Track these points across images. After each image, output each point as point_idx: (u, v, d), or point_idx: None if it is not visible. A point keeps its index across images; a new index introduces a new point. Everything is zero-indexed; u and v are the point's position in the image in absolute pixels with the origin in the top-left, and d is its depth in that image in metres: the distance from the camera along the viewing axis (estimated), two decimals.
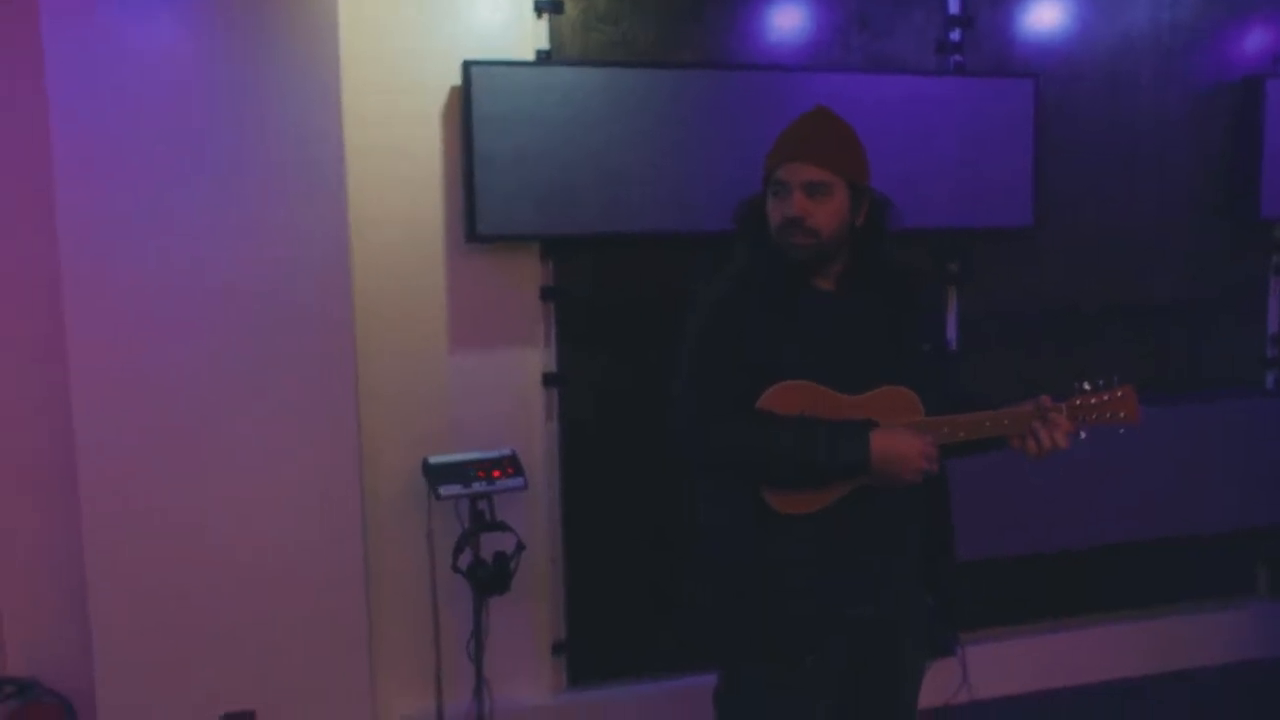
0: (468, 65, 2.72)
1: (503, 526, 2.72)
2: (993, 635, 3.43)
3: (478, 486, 2.69)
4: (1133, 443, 3.38)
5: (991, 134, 3.16)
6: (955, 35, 3.19)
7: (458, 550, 2.69)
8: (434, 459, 2.72)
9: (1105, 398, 1.97)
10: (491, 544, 2.75)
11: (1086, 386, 1.99)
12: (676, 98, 2.88)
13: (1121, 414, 1.98)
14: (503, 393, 2.96)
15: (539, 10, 2.86)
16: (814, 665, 2.01)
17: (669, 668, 3.14)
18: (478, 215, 2.77)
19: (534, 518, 2.98)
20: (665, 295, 3.01)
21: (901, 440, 1.92)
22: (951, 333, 3.28)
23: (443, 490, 2.66)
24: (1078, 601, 3.57)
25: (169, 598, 2.65)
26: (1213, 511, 3.53)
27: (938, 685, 3.16)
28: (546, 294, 2.96)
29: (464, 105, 2.75)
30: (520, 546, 2.73)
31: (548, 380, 2.99)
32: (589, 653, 3.11)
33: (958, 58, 3.19)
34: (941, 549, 2.12)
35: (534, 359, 2.98)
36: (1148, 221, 3.47)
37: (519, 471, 2.77)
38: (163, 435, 2.60)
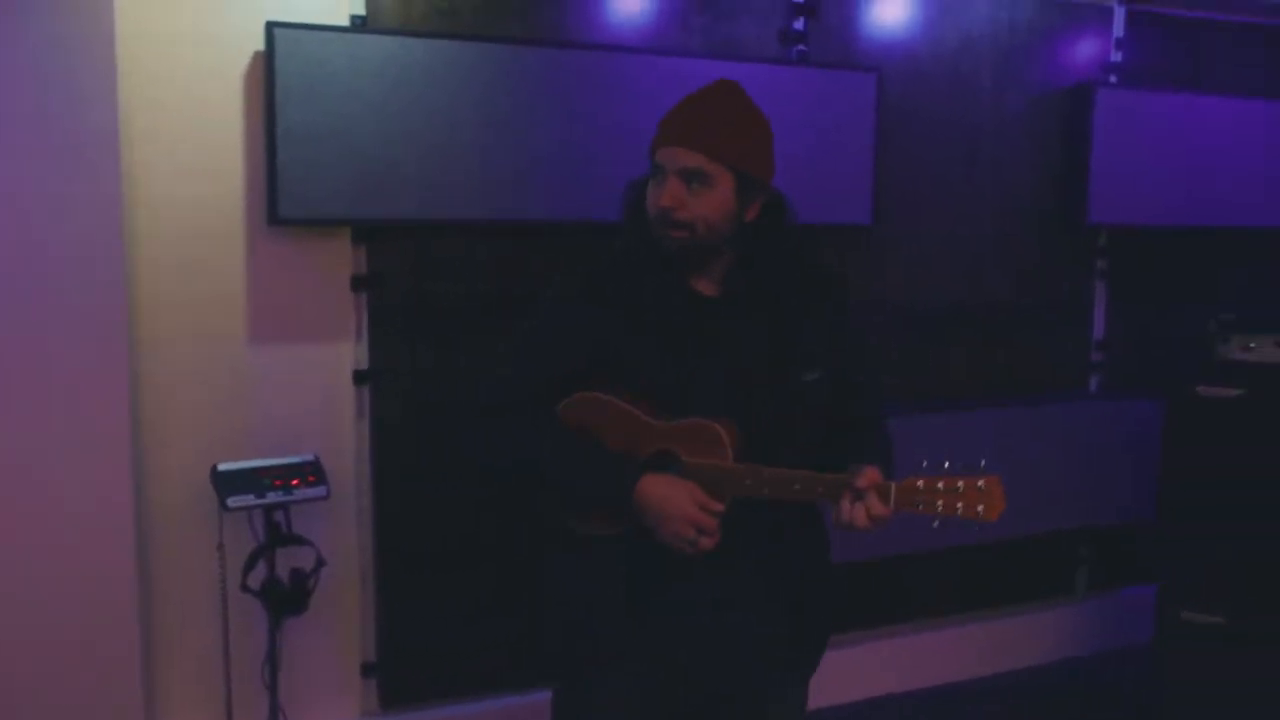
0: (271, 27, 2.44)
1: (300, 540, 2.46)
2: None
3: (273, 496, 2.42)
4: (954, 446, 3.40)
5: (833, 128, 3.06)
6: (799, 24, 3.07)
7: (248, 567, 2.43)
8: (224, 466, 2.43)
9: (960, 485, 1.63)
10: (290, 559, 2.49)
11: (945, 466, 1.67)
12: (505, 75, 2.67)
13: (979, 508, 1.62)
14: (308, 391, 2.69)
15: None
16: (622, 685, 1.85)
17: (490, 687, 2.94)
18: (280, 196, 2.49)
19: (341, 530, 2.73)
20: (491, 288, 2.82)
21: (673, 499, 1.70)
22: None
23: (231, 501, 2.38)
24: (898, 609, 3.54)
25: None
26: (1034, 514, 3.55)
27: None
28: (358, 283, 2.70)
29: (267, 72, 2.46)
30: (320, 562, 2.48)
31: (358, 378, 2.73)
32: (402, 674, 2.87)
33: (801, 47, 3.08)
34: (811, 570, 1.92)
35: (344, 354, 2.72)
36: (984, 224, 3.46)
37: (321, 479, 2.51)
38: None
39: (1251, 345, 3.06)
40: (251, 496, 2.41)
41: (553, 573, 1.91)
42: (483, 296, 2.79)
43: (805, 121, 3.01)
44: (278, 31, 2.43)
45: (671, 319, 1.81)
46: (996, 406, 3.48)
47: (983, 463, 1.65)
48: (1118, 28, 3.58)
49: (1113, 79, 3.56)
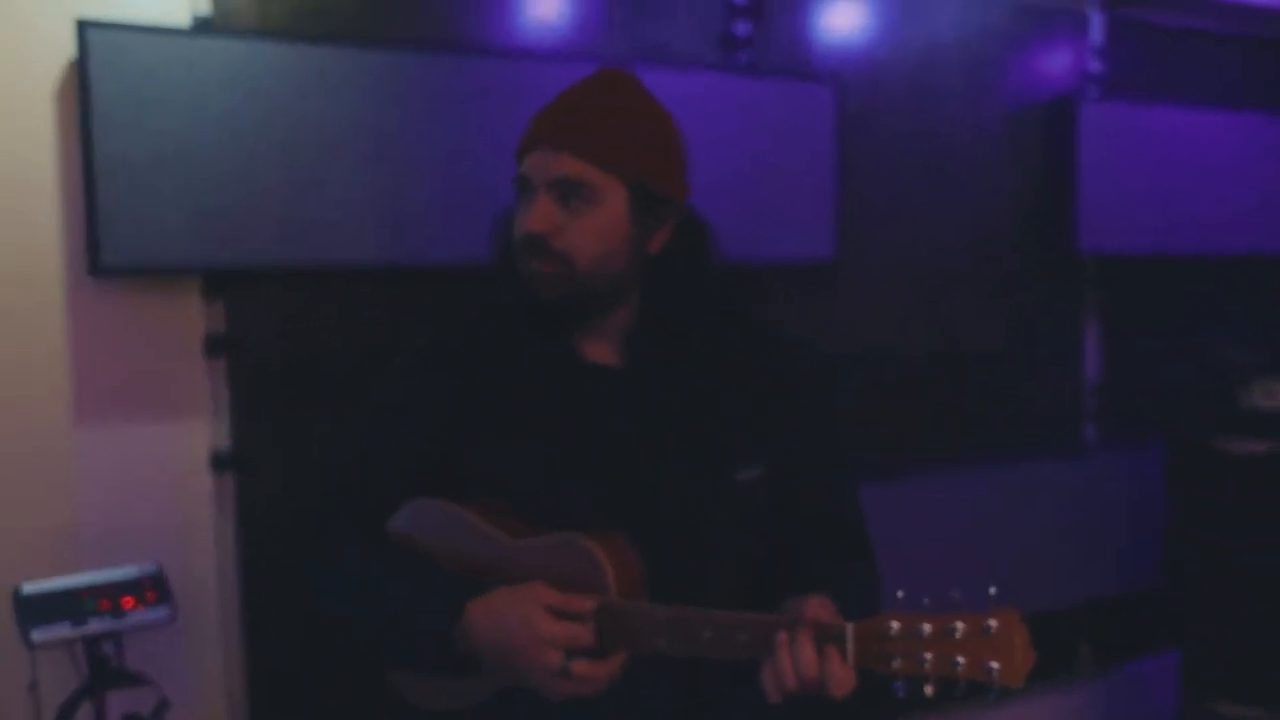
0: (84, 28, 1.93)
1: (133, 679, 1.92)
2: None
3: (96, 624, 1.88)
4: (930, 516, 2.98)
5: (785, 147, 2.62)
6: (742, 28, 2.63)
7: (65, 716, 1.88)
8: (30, 587, 1.88)
9: (957, 629, 1.07)
10: (127, 702, 1.95)
11: (926, 603, 1.12)
12: (389, 87, 2.19)
13: (991, 666, 1.06)
14: (151, 482, 2.15)
15: None
16: None
17: None
18: (102, 239, 1.97)
19: (194, 661, 2.18)
20: (380, 345, 2.30)
21: (512, 613, 1.19)
22: None
23: (37, 635, 1.82)
24: (880, 705, 3.03)
25: None
26: (1027, 589, 3.09)
27: None
28: (214, 345, 2.18)
29: (80, 85, 1.96)
30: (163, 704, 1.94)
31: (218, 462, 2.20)
32: None
33: (745, 54, 2.64)
34: None
35: (197, 433, 2.19)
36: (960, 257, 3.02)
37: (164, 597, 1.96)
38: None
39: (1277, 390, 2.65)
40: (66, 626, 1.86)
41: None
42: (371, 355, 2.28)
43: (751, 140, 2.56)
44: (92, 34, 1.93)
45: (547, 397, 1.32)
46: (978, 466, 3.02)
47: (992, 590, 1.09)
48: (1096, 35, 3.20)
49: (1095, 91, 3.17)
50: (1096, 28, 3.20)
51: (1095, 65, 3.19)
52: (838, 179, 2.70)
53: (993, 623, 1.06)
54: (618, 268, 1.33)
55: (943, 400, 3.05)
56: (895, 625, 1.10)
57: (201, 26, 2.09)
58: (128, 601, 1.93)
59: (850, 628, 1.12)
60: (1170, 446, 3.00)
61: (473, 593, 1.26)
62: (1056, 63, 3.15)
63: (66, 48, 1.99)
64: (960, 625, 1.07)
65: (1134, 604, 3.32)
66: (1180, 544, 2.96)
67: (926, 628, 1.08)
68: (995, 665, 1.05)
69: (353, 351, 2.28)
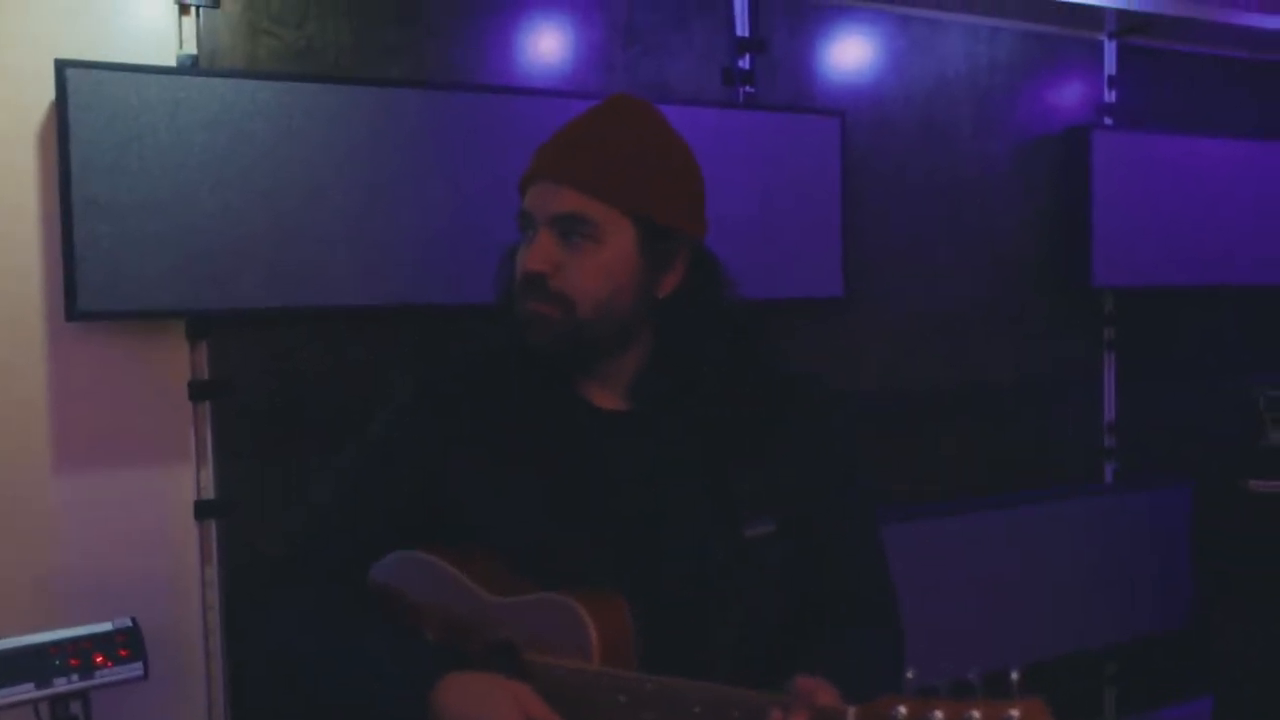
0: (62, 67, 1.89)
1: None
2: None
3: (62, 684, 1.80)
4: (943, 558, 2.87)
5: (790, 183, 2.54)
6: (745, 63, 2.57)
7: None
8: None
9: (977, 719, 0.95)
10: None
11: (939, 683, 0.98)
12: (381, 125, 2.13)
13: None
14: (133, 530, 2.09)
15: (184, 6, 2.07)
16: None
17: None
18: (79, 284, 1.92)
19: (176, 717, 2.10)
20: (369, 386, 2.24)
21: (485, 712, 1.10)
22: None
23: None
24: None
25: None
26: (1048, 635, 2.97)
27: None
28: (198, 390, 2.12)
29: (59, 126, 1.91)
30: None
31: (203, 510, 2.13)
32: None
33: (748, 89, 2.57)
34: None
35: (181, 481, 2.12)
36: (972, 292, 2.94)
37: (137, 653, 1.88)
38: None
39: None
40: (30, 687, 1.78)
41: None
42: (360, 396, 2.21)
43: (756, 176, 2.49)
44: (70, 73, 1.88)
45: (545, 440, 1.24)
46: (994, 507, 2.91)
47: (1014, 675, 0.96)
48: (1109, 65, 3.13)
49: (1108, 121, 3.09)
50: (1109, 56, 3.13)
51: (1109, 95, 3.11)
52: (845, 214, 2.63)
53: (1014, 713, 0.94)
54: (623, 311, 1.24)
55: (955, 437, 2.96)
56: (903, 710, 0.97)
57: (188, 66, 2.04)
58: (99, 658, 1.85)
59: (851, 711, 1.01)
60: (1197, 486, 2.89)
61: (448, 666, 1.17)
62: (1068, 92, 3.07)
63: (49, 88, 1.94)
64: (977, 715, 0.94)
65: (1162, 647, 3.20)
66: (1209, 585, 2.85)
67: (938, 716, 0.95)
68: None
69: (341, 393, 2.21)
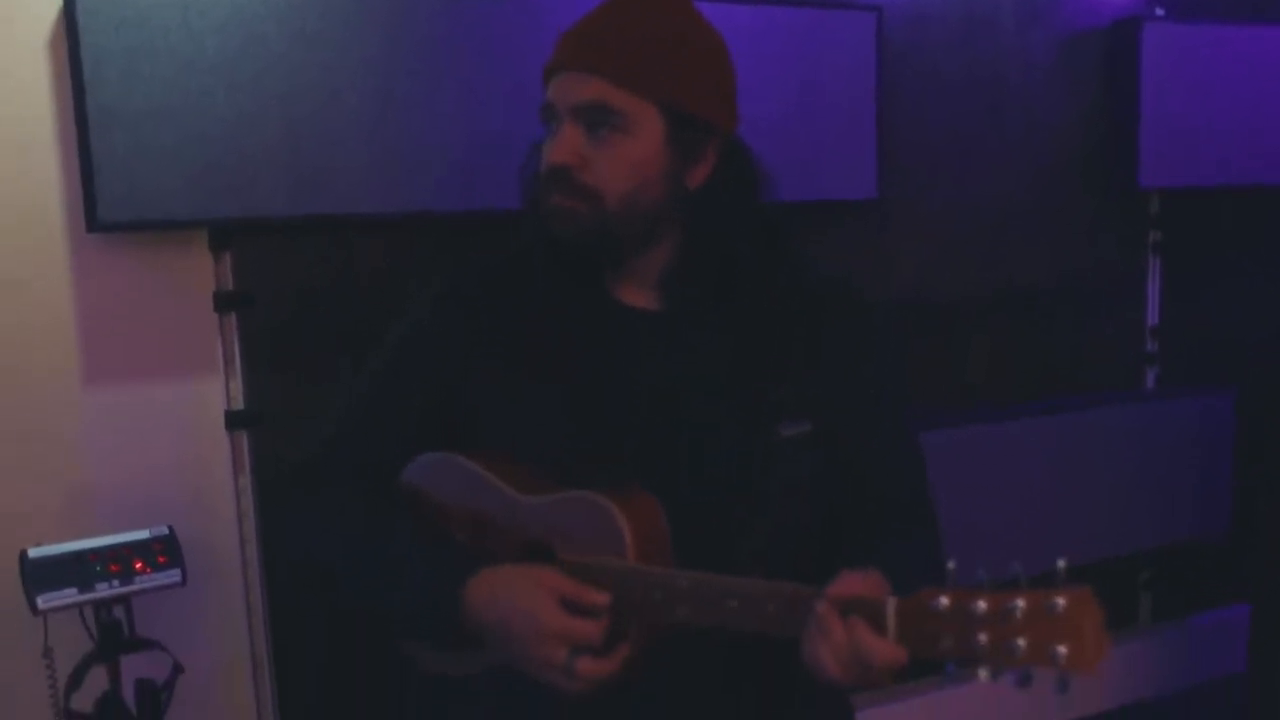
0: None
1: (144, 645, 1.88)
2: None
3: (104, 589, 1.84)
4: (982, 464, 2.84)
5: (823, 82, 2.46)
6: None
7: (72, 685, 1.85)
8: (37, 551, 1.84)
9: (1019, 607, 0.90)
10: (140, 667, 1.91)
11: (982, 574, 0.94)
12: (396, 26, 2.07)
13: (1059, 650, 0.88)
14: (163, 442, 2.10)
15: None
16: None
17: None
18: (99, 195, 1.90)
19: (214, 623, 2.14)
20: (394, 294, 2.21)
21: (519, 600, 1.10)
22: None
23: (42, 600, 1.79)
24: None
25: None
26: (1086, 539, 2.95)
27: None
28: (224, 301, 2.11)
29: (69, 32, 1.87)
30: (177, 669, 1.90)
31: (233, 420, 2.14)
32: None
33: None
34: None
35: (210, 392, 2.13)
36: (1012, 194, 2.85)
37: (175, 560, 1.92)
38: None
39: None
40: (73, 591, 1.82)
41: None
42: (386, 304, 2.18)
43: (789, 74, 2.41)
44: None
45: (574, 340, 1.20)
46: (1033, 414, 2.86)
47: (1061, 563, 0.90)
48: None
49: (1160, 11, 2.95)
50: None
51: None
52: (880, 113, 2.55)
53: (1060, 600, 0.89)
54: (652, 204, 1.20)
55: (993, 343, 2.90)
56: (944, 601, 0.94)
57: None
58: (139, 565, 1.88)
59: (891, 603, 0.97)
60: (1240, 393, 2.82)
61: (477, 565, 1.17)
62: None
63: None
64: (1021, 603, 0.90)
65: (1201, 555, 3.16)
66: (1250, 494, 2.80)
67: (981, 605, 0.92)
68: (1062, 650, 0.88)
69: (366, 302, 2.20)
